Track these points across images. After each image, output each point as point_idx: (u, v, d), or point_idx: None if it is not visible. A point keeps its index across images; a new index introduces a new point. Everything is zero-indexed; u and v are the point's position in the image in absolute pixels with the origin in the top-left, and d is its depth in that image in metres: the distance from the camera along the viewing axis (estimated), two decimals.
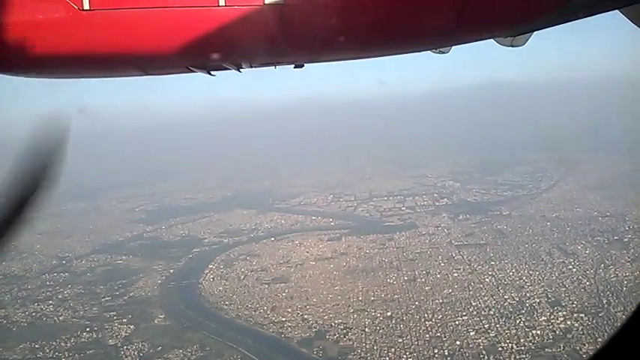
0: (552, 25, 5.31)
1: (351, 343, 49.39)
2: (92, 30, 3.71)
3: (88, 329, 56.94)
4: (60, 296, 67.54)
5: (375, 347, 47.94)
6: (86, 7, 3.59)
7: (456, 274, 63.27)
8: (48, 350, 52.96)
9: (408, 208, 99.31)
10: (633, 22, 5.54)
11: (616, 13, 5.51)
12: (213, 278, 70.63)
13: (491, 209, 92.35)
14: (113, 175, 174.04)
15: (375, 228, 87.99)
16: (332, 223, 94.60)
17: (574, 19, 5.26)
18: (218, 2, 3.76)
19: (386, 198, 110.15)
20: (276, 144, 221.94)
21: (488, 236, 76.83)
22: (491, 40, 6.62)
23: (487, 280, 60.79)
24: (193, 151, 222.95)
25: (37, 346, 53.90)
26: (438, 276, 63.31)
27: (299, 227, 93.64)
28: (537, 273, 61.57)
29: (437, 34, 4.66)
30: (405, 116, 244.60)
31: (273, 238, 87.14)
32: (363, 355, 47.03)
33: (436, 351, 46.53)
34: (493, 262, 65.90)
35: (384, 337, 49.74)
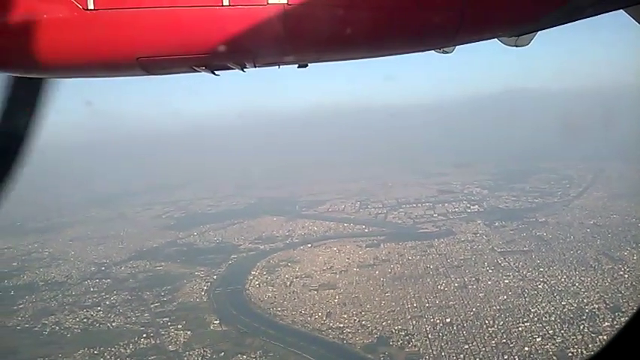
0: (556, 25, 5.28)
1: (416, 349, 49.30)
2: (96, 30, 3.73)
3: (144, 335, 56.86)
4: (107, 302, 67.48)
5: (442, 354, 47.84)
6: (90, 6, 3.62)
7: (507, 281, 63.18)
8: (108, 356, 52.90)
9: (440, 215, 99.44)
10: (639, 22, 5.45)
11: (621, 13, 5.44)
12: (258, 284, 70.56)
13: (526, 216, 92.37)
14: (128, 182, 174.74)
15: (411, 235, 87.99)
16: (366, 230, 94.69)
17: (578, 19, 5.22)
18: (222, 2, 3.79)
19: (414, 205, 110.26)
20: (287, 151, 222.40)
21: (531, 243, 76.79)
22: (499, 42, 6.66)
23: (540, 286, 60.69)
24: (204, 157, 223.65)
25: (95, 352, 53.83)
26: (489, 283, 63.23)
27: (333, 234, 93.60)
28: (589, 279, 61.44)
29: (440, 34, 4.66)
30: (420, 124, 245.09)
31: (309, 245, 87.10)
32: None
33: (506, 357, 46.45)
34: (542, 269, 65.79)
35: (449, 343, 49.63)
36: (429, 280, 65.86)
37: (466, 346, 48.63)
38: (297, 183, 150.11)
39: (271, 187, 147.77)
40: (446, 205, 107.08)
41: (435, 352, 48.21)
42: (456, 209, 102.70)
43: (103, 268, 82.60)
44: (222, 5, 3.80)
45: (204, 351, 52.41)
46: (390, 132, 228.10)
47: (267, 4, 3.86)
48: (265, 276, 73.63)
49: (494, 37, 5.56)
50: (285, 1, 3.87)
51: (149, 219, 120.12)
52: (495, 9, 4.62)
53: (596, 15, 5.19)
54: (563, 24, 5.25)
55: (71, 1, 3.62)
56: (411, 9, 4.30)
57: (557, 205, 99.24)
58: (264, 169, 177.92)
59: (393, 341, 51.21)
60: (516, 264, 68.60)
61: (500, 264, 69.16)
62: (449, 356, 47.33)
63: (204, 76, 4.58)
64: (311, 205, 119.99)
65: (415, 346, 49.88)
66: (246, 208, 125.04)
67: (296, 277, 71.44)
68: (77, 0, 3.62)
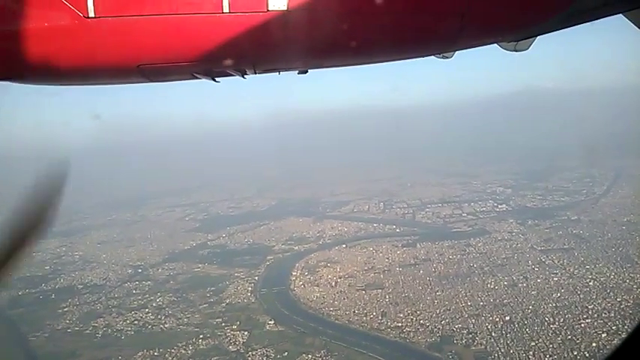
0: (555, 30, 5.33)
1: (483, 347, 49.37)
2: (97, 37, 3.78)
3: (201, 336, 56.67)
4: (154, 304, 67.28)
5: (511, 351, 47.92)
6: (91, 14, 3.66)
7: (556, 279, 63.38)
8: (170, 357, 52.69)
9: (469, 215, 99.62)
10: (637, 26, 5.54)
11: (620, 17, 5.52)
12: (303, 285, 70.51)
13: (557, 214, 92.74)
14: (142, 185, 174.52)
15: (445, 234, 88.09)
16: (397, 230, 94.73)
17: (577, 24, 5.27)
18: (222, 9, 3.81)
19: (440, 205, 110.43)
20: (299, 154, 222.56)
21: (569, 241, 77.05)
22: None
23: (591, 283, 60.88)
24: (213, 160, 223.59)
25: (156, 353, 53.64)
26: (539, 280, 63.41)
27: (364, 234, 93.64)
28: (639, 276, 61.70)
29: (440, 39, 4.71)
30: (430, 126, 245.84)
31: (344, 245, 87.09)
32: (503, 358, 47.00)
33: (575, 353, 46.57)
34: (588, 266, 65.99)
35: (515, 341, 49.72)
36: (476, 279, 65.98)
37: (533, 344, 48.74)
38: (315, 185, 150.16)
39: (290, 189, 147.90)
40: (472, 204, 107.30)
41: (502, 350, 48.29)
42: (484, 208, 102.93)
43: (140, 270, 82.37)
44: (223, 12, 3.82)
45: (266, 351, 52.28)
46: (402, 134, 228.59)
47: (267, 10, 3.88)
48: (307, 276, 73.58)
49: (494, 42, 5.66)
50: (285, 8, 3.89)
51: (173, 221, 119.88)
52: (496, 14, 4.65)
53: (596, 20, 5.23)
54: (563, 29, 5.31)
55: (72, 10, 3.66)
56: (411, 15, 4.32)
57: (585, 203, 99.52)
58: (278, 172, 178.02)
59: (456, 340, 51.27)
60: (560, 262, 68.82)
61: (544, 262, 69.40)
62: (518, 354, 47.39)
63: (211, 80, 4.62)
64: (335, 206, 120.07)
65: (481, 344, 49.95)
66: (268, 209, 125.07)
67: (339, 278, 71.39)
68: (78, 8, 3.66)
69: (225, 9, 3.82)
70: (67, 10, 3.67)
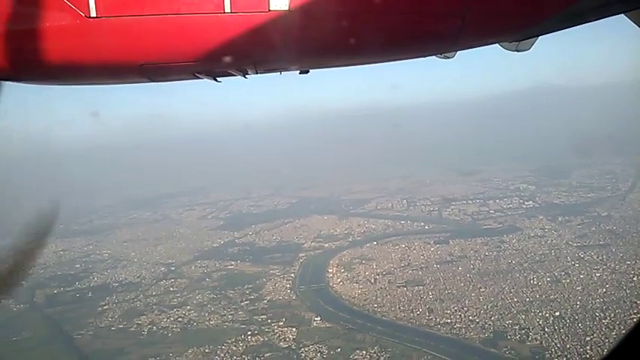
0: (557, 30, 5.30)
1: (538, 342, 49.34)
2: (99, 37, 3.79)
3: (249, 333, 56.72)
4: (194, 301, 67.35)
5: (567, 346, 47.89)
6: (93, 14, 3.68)
7: (598, 274, 63.28)
8: (222, 354, 52.75)
9: (497, 212, 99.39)
10: (639, 26, 5.51)
11: (621, 17, 5.45)
12: (341, 282, 70.51)
13: (587, 210, 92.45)
14: (157, 184, 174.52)
15: (476, 231, 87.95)
16: (426, 227, 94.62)
17: (579, 24, 5.23)
18: (224, 9, 3.83)
19: (465, 202, 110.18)
20: (307, 153, 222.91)
21: (604, 237, 76.85)
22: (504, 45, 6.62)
23: (636, 279, 60.75)
24: (223, 160, 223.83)
25: (207, 350, 53.70)
26: (581, 276, 63.31)
27: (393, 231, 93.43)
28: None
29: (441, 39, 4.70)
30: (439, 125, 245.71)
31: (375, 242, 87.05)
32: (561, 353, 46.99)
33: None
34: (629, 262, 65.78)
35: (570, 336, 49.67)
36: (517, 275, 65.91)
37: (588, 338, 48.71)
38: (329, 183, 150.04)
39: (306, 188, 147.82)
40: (497, 201, 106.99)
41: (558, 345, 48.26)
42: (511, 205, 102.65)
43: (173, 268, 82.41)
44: (224, 12, 3.83)
45: (318, 347, 52.31)
46: (411, 132, 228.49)
47: (269, 10, 3.89)
48: (344, 273, 73.57)
49: (496, 42, 5.61)
50: (287, 8, 3.89)
51: (195, 220, 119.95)
52: (496, 14, 4.64)
53: (597, 20, 5.20)
54: (565, 28, 5.29)
55: (74, 9, 3.66)
56: (412, 15, 4.31)
57: (612, 199, 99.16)
58: (290, 171, 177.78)
59: (510, 335, 51.26)
60: (599, 258, 68.67)
61: (583, 258, 69.27)
62: (575, 349, 47.37)
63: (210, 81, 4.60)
64: (357, 204, 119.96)
65: (535, 339, 49.91)
66: (290, 207, 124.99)
67: (377, 275, 71.34)
68: (80, 8, 3.67)
69: (227, 9, 3.83)
70: (69, 10, 3.67)
